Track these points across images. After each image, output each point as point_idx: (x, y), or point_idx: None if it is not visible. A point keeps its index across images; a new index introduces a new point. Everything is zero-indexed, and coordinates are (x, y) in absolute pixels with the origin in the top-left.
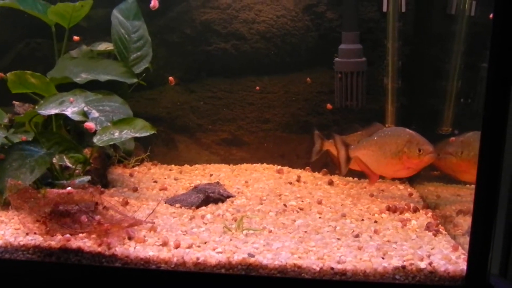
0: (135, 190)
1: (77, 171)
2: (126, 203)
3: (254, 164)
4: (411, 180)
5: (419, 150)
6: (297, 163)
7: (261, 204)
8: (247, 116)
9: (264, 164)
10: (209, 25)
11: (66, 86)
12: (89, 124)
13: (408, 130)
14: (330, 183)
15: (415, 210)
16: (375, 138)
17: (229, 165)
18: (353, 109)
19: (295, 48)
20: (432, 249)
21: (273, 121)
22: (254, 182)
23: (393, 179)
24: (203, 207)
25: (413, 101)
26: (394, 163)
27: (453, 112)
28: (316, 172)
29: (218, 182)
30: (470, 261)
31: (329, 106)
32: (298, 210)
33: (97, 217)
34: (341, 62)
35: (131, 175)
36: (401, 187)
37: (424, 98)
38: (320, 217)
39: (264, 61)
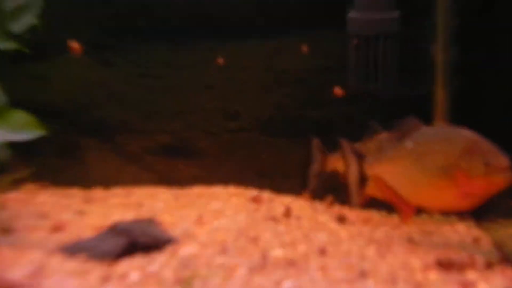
0: (6, 231)
1: None
2: None
3: (214, 188)
4: (477, 216)
5: (486, 165)
6: (286, 186)
7: (225, 254)
8: (203, 108)
9: (231, 188)
10: None
11: None
12: None
13: (466, 131)
14: (341, 219)
15: (486, 267)
16: (409, 145)
17: (171, 188)
18: (376, 96)
19: None
20: None
21: (245, 117)
22: (213, 218)
23: (445, 214)
24: (126, 260)
25: (480, 81)
26: (442, 187)
27: None
28: (317, 201)
29: (151, 219)
30: None
31: (337, 91)
32: (287, 264)
33: None
34: (358, 20)
35: (1, 205)
36: (460, 227)
37: (500, 77)
38: (323, 277)
39: (232, 17)
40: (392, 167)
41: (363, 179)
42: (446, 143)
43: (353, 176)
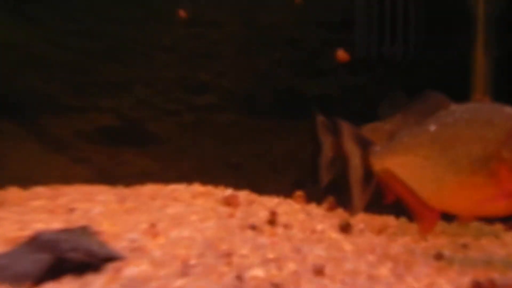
0: None
1: None
2: None
3: (173, 186)
4: None
5: None
6: (271, 183)
7: (186, 275)
8: (159, 77)
9: (196, 186)
10: None
11: None
12: None
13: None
14: (345, 227)
15: None
16: (431, 128)
17: (115, 187)
18: (394, 63)
19: None
20: None
21: (216, 90)
22: (170, 226)
23: (485, 221)
24: (50, 284)
25: None
26: (477, 185)
27: None
28: (314, 203)
29: (86, 228)
30: None
31: (342, 55)
32: None
33: None
34: None
35: None
36: (508, 238)
37: None
38: None
39: None
40: (408, 159)
41: (368, 176)
42: (484, 127)
43: (355, 172)
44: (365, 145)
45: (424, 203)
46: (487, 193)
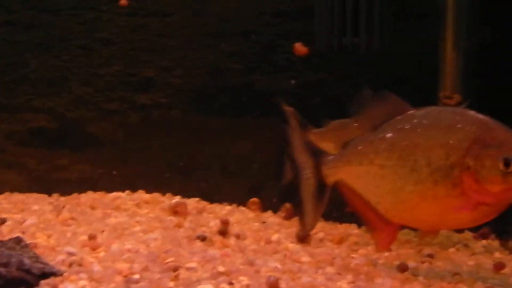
0: None
1: None
2: None
3: (114, 193)
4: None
5: (506, 163)
6: (224, 190)
7: None
8: (98, 73)
9: (140, 193)
10: None
11: None
12: None
13: (477, 115)
14: (303, 237)
15: None
16: (388, 135)
17: (50, 194)
18: (358, 55)
19: None
20: None
21: (163, 87)
22: (112, 238)
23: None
24: None
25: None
26: (440, 196)
27: None
28: (270, 212)
29: (18, 240)
30: None
31: (299, 48)
32: None
33: None
34: None
35: None
36: (477, 248)
37: None
38: None
39: None
40: (363, 168)
41: (321, 189)
42: (446, 133)
43: (307, 184)
44: (316, 155)
45: (381, 216)
46: (451, 204)
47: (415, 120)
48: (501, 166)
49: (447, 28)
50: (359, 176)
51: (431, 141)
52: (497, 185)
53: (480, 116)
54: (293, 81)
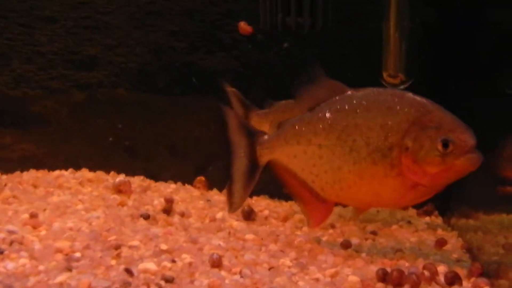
0: None
1: None
2: None
3: (57, 172)
4: (446, 208)
5: (444, 144)
6: (170, 169)
7: (70, 271)
8: (39, 51)
9: (83, 171)
10: None
11: None
12: None
13: (415, 96)
14: (248, 214)
15: (451, 280)
16: (327, 115)
17: None
18: (301, 35)
19: None
20: None
21: (106, 65)
22: (53, 216)
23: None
24: None
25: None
26: (378, 175)
27: None
28: (215, 190)
29: None
30: None
31: (244, 27)
32: (162, 282)
33: None
34: None
35: None
36: (420, 224)
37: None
38: None
39: None
40: (301, 148)
41: (253, 169)
42: (385, 114)
43: (239, 164)
44: (251, 135)
45: (316, 195)
46: (388, 184)
47: (354, 101)
48: (439, 147)
49: (390, 8)
50: (295, 156)
51: (370, 122)
52: (435, 166)
53: (418, 98)
54: (285, 44)
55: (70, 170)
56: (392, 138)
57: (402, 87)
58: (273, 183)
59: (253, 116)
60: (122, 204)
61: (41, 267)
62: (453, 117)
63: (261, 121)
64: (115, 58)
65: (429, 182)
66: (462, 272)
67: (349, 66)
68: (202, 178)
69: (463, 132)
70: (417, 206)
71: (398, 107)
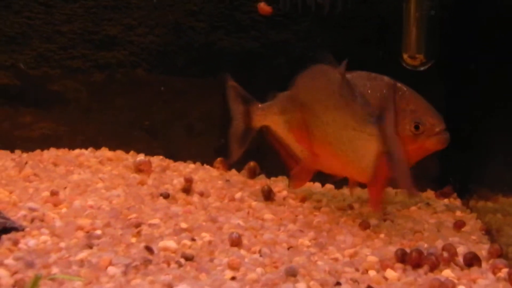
0: None
1: None
2: None
3: (77, 151)
4: (460, 190)
5: (416, 125)
6: (189, 149)
7: (90, 248)
8: (61, 31)
9: (103, 151)
10: None
11: None
12: None
13: (390, 79)
14: (267, 195)
15: (470, 261)
16: (309, 90)
17: (12, 152)
18: (321, 16)
19: None
20: None
21: (125, 45)
22: (74, 194)
23: (419, 188)
24: None
25: None
26: (355, 147)
27: None
28: (234, 170)
29: None
30: None
31: (264, 6)
32: (182, 260)
33: None
34: None
35: None
36: (439, 206)
37: None
38: (233, 278)
39: None
40: (288, 117)
41: (247, 132)
42: (364, 95)
43: (236, 127)
44: (248, 103)
45: (298, 158)
46: (364, 156)
47: (335, 80)
48: (412, 128)
49: None
50: (284, 123)
51: (348, 101)
52: (408, 144)
53: (392, 81)
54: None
55: (90, 149)
56: (366, 115)
57: (422, 68)
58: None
59: (255, 110)
60: (142, 183)
61: (62, 244)
62: (425, 101)
63: (265, 114)
64: (135, 38)
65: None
66: (480, 253)
67: (368, 47)
68: (222, 158)
69: (433, 116)
70: (435, 188)
71: (375, 89)
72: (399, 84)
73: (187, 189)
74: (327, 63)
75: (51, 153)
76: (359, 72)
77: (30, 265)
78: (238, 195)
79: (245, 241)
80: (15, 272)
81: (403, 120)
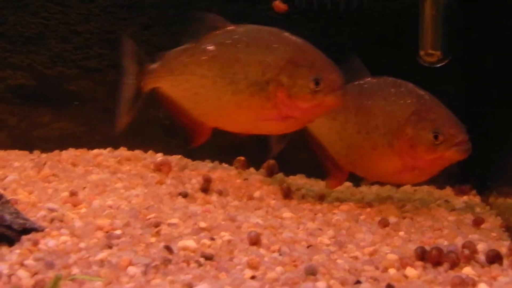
0: None
1: None
2: None
3: (96, 151)
4: (479, 187)
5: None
6: (208, 148)
7: (110, 248)
8: (76, 31)
9: (122, 150)
10: None
11: None
12: None
13: (291, 36)
14: (287, 193)
15: (492, 258)
16: (209, 47)
17: (31, 151)
18: (337, 13)
19: None
20: None
21: (141, 46)
22: (93, 194)
23: (438, 186)
24: None
25: None
26: (255, 106)
27: None
28: (252, 169)
29: (0, 195)
30: None
31: (279, 4)
32: (202, 259)
33: None
34: None
35: None
36: (458, 203)
37: None
38: (253, 277)
39: None
40: (184, 77)
41: (137, 93)
42: (263, 51)
43: (126, 90)
44: (141, 63)
45: (194, 120)
46: (263, 115)
47: (236, 36)
48: (311, 85)
49: None
50: (179, 85)
51: (249, 57)
52: (306, 101)
53: (294, 38)
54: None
55: (108, 149)
56: (269, 74)
57: (439, 65)
58: (309, 162)
59: (149, 71)
60: (160, 182)
61: (82, 244)
62: (325, 57)
63: (159, 75)
64: (150, 37)
65: (300, 115)
66: (500, 250)
67: (385, 43)
68: (242, 158)
69: (332, 72)
70: (454, 185)
71: (275, 45)
72: (422, 92)
73: (205, 188)
74: (355, 66)
75: (69, 153)
76: (385, 77)
77: (50, 265)
78: (256, 193)
79: (264, 240)
80: (35, 273)
81: (423, 129)
